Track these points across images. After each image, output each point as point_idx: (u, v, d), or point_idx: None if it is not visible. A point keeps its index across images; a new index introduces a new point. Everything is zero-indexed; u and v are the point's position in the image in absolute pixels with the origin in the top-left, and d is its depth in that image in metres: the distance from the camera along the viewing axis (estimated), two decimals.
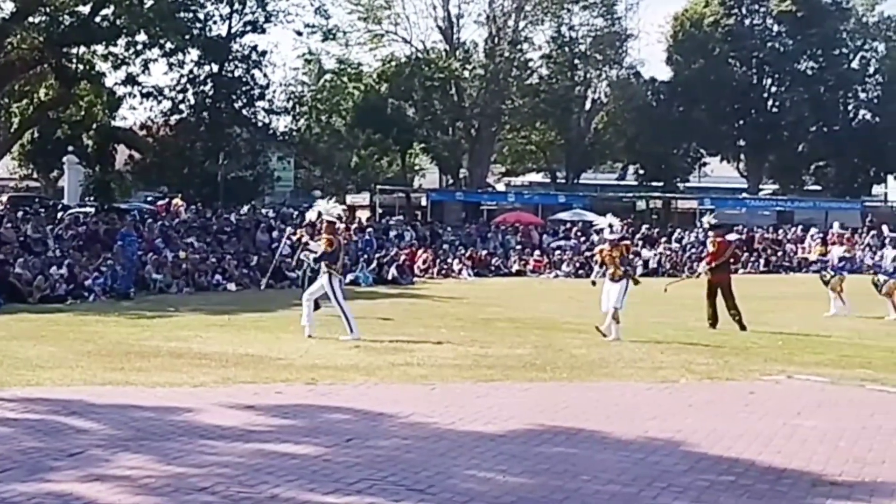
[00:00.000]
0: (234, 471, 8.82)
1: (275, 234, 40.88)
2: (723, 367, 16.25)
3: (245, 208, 49.41)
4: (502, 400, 12.79)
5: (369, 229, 46.49)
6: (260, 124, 57.45)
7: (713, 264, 23.21)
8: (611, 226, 21.37)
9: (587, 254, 22.66)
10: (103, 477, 8.55)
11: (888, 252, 29.57)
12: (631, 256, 20.66)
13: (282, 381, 13.82)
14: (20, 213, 37.69)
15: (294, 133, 61.06)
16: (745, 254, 50.19)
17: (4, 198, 48.82)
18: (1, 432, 10.21)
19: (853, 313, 26.36)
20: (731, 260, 24.54)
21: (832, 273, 27.63)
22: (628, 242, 20.91)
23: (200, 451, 9.56)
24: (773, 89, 72.47)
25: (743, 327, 22.17)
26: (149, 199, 53.20)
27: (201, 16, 53.23)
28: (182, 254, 34.55)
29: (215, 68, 54.63)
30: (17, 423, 10.64)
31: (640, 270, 44.60)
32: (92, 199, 51.59)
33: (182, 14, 50.35)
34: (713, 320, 22.81)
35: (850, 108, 74.04)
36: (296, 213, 49.20)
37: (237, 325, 21.73)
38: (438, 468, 9.11)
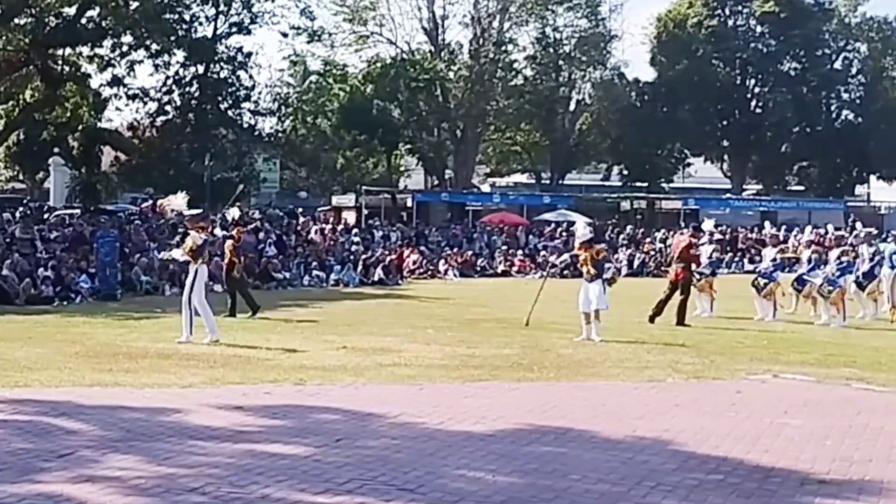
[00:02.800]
0: (224, 471, 8.84)
1: (261, 235, 40.88)
2: (709, 366, 16.30)
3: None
4: (490, 400, 12.83)
5: (355, 230, 46.59)
6: (246, 125, 57.49)
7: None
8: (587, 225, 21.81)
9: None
10: (94, 478, 8.55)
11: (767, 252, 27.89)
12: (604, 260, 20.86)
13: (270, 382, 13.83)
14: (6, 215, 37.50)
15: (280, 134, 61.04)
16: (730, 254, 50.30)
17: None
18: None
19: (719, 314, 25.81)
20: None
21: (698, 277, 25.97)
22: (601, 247, 21.02)
23: (190, 451, 9.57)
24: (757, 90, 72.64)
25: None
26: (138, 200, 53.04)
27: (187, 17, 53.22)
28: None
29: (201, 70, 54.62)
30: (6, 425, 10.63)
31: (624, 270, 44.86)
32: (78, 200, 51.49)
33: (168, 15, 50.37)
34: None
35: (832, 108, 74.27)
36: (282, 213, 49.27)
37: (224, 327, 21.63)
38: (428, 468, 9.14)
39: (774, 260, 26.83)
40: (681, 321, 23.19)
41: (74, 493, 8.10)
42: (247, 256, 37.14)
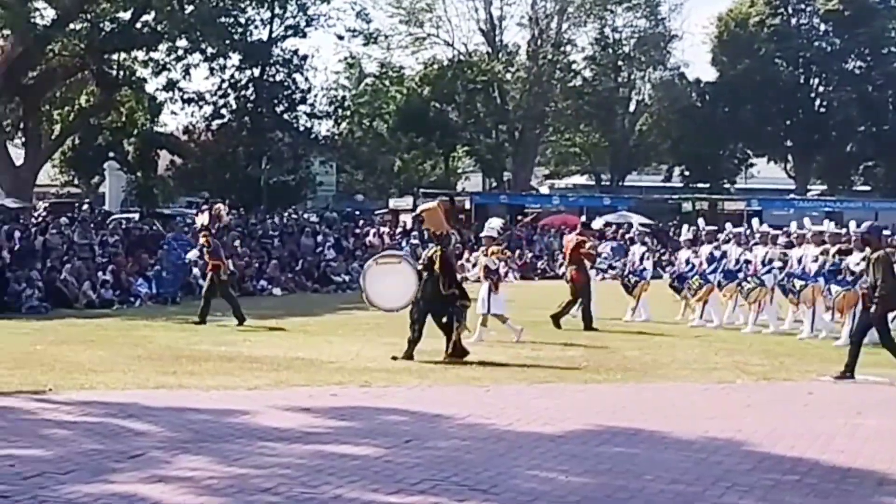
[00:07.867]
0: (295, 472, 8.82)
1: (319, 238, 40.96)
2: (778, 367, 16.14)
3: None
4: (558, 401, 12.74)
5: (413, 233, 46.56)
6: (301, 128, 57.49)
7: None
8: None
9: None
10: (166, 478, 8.56)
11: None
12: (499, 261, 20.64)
13: (335, 384, 13.79)
14: (63, 220, 37.62)
15: (336, 137, 61.14)
16: None
17: (41, 205, 48.51)
18: (60, 435, 10.26)
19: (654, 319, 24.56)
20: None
21: (635, 279, 25.32)
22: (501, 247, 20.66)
23: (260, 452, 9.56)
24: (821, 89, 71.82)
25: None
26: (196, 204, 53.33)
27: (242, 20, 53.29)
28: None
29: (256, 73, 54.74)
30: (76, 426, 10.67)
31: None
32: (134, 204, 51.82)
33: (223, 19, 50.43)
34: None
35: None
36: (339, 216, 49.34)
37: (285, 330, 21.75)
38: (500, 468, 9.07)
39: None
40: (588, 325, 22.39)
41: (148, 493, 8.11)
42: (305, 260, 37.42)
